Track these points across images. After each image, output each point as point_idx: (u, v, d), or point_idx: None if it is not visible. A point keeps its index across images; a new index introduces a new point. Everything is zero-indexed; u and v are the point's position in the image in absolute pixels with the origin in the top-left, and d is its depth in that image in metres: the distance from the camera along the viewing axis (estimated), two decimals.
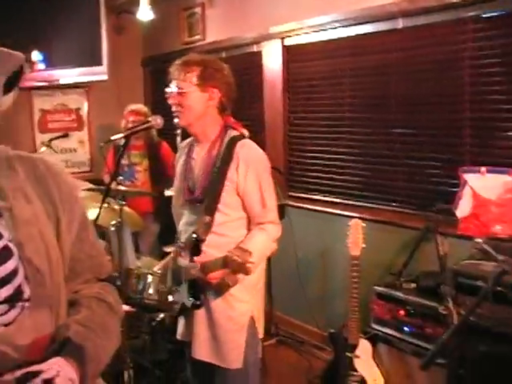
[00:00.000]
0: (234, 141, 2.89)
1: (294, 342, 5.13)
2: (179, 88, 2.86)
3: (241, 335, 2.89)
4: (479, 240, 3.21)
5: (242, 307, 2.90)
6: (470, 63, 3.80)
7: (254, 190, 2.85)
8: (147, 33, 7.11)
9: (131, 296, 3.50)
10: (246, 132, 3.00)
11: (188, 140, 3.14)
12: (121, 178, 3.82)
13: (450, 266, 3.22)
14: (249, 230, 2.92)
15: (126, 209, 4.24)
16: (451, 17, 3.84)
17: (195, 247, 2.82)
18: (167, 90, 2.93)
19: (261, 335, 3.10)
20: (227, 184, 2.83)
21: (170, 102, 2.92)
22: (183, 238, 2.97)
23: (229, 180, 2.83)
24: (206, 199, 2.86)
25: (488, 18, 3.68)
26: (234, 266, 2.56)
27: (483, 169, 3.59)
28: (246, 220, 2.93)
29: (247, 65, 5.67)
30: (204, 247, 2.81)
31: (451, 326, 2.92)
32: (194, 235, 2.83)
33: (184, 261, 2.88)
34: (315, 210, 4.97)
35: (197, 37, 6.25)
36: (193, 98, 2.86)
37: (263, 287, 3.11)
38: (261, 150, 2.96)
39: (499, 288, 2.57)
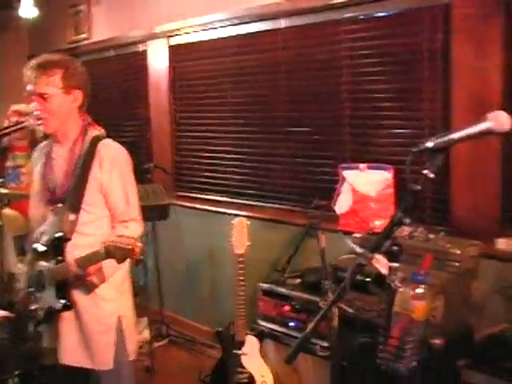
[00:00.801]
0: (96, 140, 2.86)
1: (186, 341, 5.12)
2: (42, 93, 2.76)
3: (110, 335, 2.86)
4: (357, 235, 3.32)
5: (109, 307, 2.87)
6: (347, 63, 3.91)
7: (118, 187, 2.84)
8: (34, 30, 6.91)
9: (14, 301, 3.40)
10: (103, 131, 2.97)
11: (46, 141, 3.06)
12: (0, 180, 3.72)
13: (331, 261, 3.30)
14: (112, 228, 2.89)
15: (11, 212, 4.12)
16: (329, 18, 3.95)
17: (58, 247, 2.77)
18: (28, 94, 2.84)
19: (135, 336, 3.09)
20: (91, 182, 2.80)
21: (33, 108, 2.83)
22: (44, 239, 2.89)
23: (92, 178, 2.79)
24: (70, 198, 2.81)
25: (364, 19, 3.79)
26: (121, 253, 2.52)
27: (363, 165, 3.69)
28: (110, 218, 2.90)
29: (133, 64, 5.66)
30: (68, 247, 2.77)
31: (331, 320, 3.02)
32: (58, 235, 2.77)
33: (46, 263, 2.81)
34: (203, 210, 4.99)
35: (83, 35, 6.15)
36: (58, 102, 2.78)
37: (130, 288, 3.08)
38: (123, 148, 2.93)
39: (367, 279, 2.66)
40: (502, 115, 1.64)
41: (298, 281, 3.78)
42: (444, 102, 3.45)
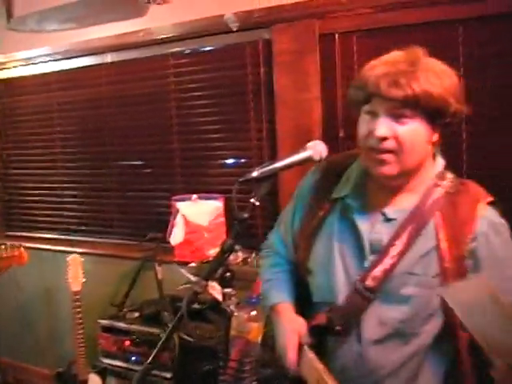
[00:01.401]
0: None
1: None
2: None
3: None
4: (193, 265, 3.38)
5: None
6: (176, 96, 3.99)
7: None
8: None
9: None
10: None
11: None
12: None
13: (170, 292, 3.34)
14: None
15: None
16: (156, 52, 4.00)
17: None
18: None
19: None
20: None
21: None
22: None
23: None
24: None
25: (190, 53, 3.89)
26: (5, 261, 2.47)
27: (194, 196, 3.77)
28: None
29: None
30: None
31: (172, 350, 3.05)
32: None
33: None
34: (36, 248, 4.80)
35: None
36: None
37: None
38: None
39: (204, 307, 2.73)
40: (319, 144, 1.77)
41: (137, 314, 3.76)
42: (270, 132, 3.61)
